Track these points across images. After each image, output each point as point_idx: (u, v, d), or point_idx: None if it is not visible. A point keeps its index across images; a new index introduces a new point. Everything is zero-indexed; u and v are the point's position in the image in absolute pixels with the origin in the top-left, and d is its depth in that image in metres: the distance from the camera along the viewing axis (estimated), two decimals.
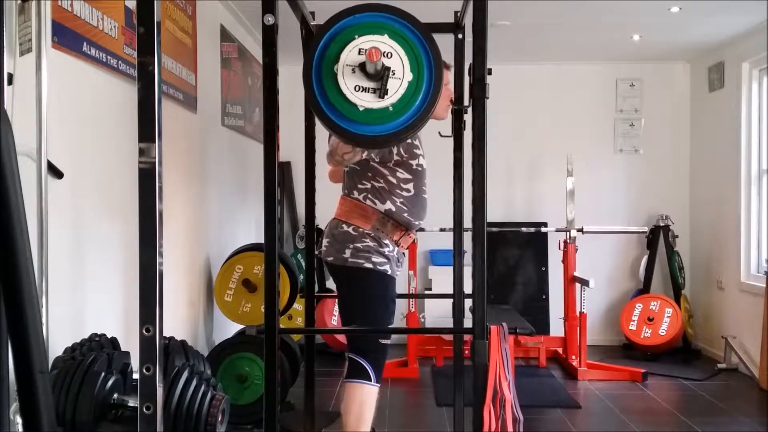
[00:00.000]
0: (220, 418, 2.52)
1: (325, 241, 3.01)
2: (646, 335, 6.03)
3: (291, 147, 4.41)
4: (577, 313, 5.58)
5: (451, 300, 3.28)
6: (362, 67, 1.96)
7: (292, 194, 6.70)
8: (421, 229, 3.54)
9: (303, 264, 3.45)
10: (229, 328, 4.70)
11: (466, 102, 2.85)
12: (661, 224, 6.49)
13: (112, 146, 3.03)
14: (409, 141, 2.93)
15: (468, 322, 2.24)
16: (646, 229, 6.40)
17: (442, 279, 6.14)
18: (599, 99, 6.84)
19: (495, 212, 6.50)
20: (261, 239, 2.14)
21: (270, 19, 2.08)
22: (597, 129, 6.84)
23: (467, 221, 2.38)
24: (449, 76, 3.09)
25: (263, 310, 2.12)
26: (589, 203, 6.60)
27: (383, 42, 1.98)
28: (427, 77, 2.00)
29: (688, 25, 5.43)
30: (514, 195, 6.85)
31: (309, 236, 3.21)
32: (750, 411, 4.72)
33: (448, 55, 3.17)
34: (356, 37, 1.98)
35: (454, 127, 3.12)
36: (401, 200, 2.96)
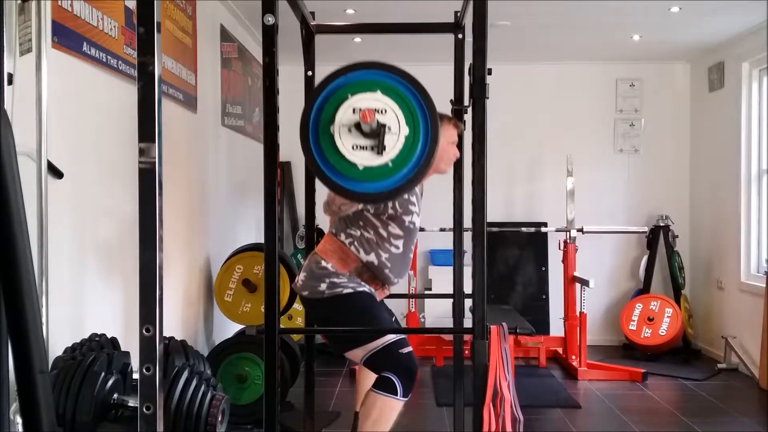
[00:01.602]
0: (220, 418, 2.52)
1: (301, 275, 2.91)
2: (646, 335, 6.03)
3: (291, 147, 4.39)
4: (577, 313, 5.58)
5: (451, 300, 3.28)
6: (358, 126, 1.97)
7: (292, 194, 6.70)
8: (422, 229, 3.54)
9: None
10: (229, 328, 4.70)
11: (466, 102, 2.86)
12: (661, 224, 6.49)
13: (112, 146, 3.03)
14: (405, 196, 2.86)
15: (468, 322, 2.24)
16: (646, 229, 6.40)
17: (442, 279, 6.14)
18: (599, 99, 6.84)
19: (495, 212, 6.50)
20: (261, 239, 2.14)
21: (270, 19, 2.09)
22: (597, 129, 6.84)
23: (467, 221, 2.38)
24: (455, 135, 3.03)
25: (263, 310, 2.12)
26: (589, 203, 6.60)
27: (376, 99, 1.99)
28: (423, 129, 2.01)
29: (688, 25, 5.43)
30: (514, 195, 6.85)
31: (309, 236, 3.21)
32: (750, 411, 4.72)
33: (448, 54, 3.18)
34: (349, 96, 1.99)
35: None
36: (387, 255, 2.87)
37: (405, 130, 2.00)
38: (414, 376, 2.78)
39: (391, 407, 2.74)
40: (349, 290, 2.82)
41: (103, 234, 2.99)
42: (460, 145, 3.09)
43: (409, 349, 2.80)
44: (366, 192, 2.04)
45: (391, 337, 2.77)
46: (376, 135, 1.97)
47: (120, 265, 3.11)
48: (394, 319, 2.95)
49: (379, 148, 1.97)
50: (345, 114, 1.99)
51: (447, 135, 2.97)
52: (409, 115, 2.01)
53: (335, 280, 2.82)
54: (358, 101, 1.98)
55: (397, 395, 2.72)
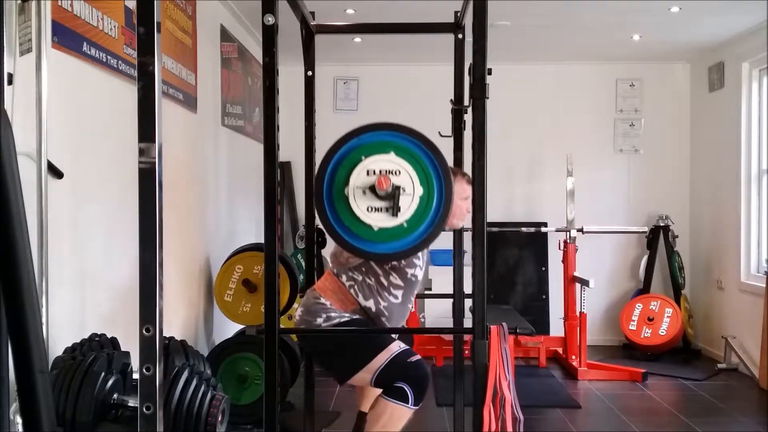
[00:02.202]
0: (220, 418, 2.52)
1: (298, 311, 2.93)
2: (646, 335, 6.03)
3: (291, 147, 4.41)
4: (577, 313, 5.58)
5: (451, 300, 3.28)
6: (372, 188, 1.99)
7: (292, 194, 6.70)
8: None
9: (303, 264, 3.45)
10: (229, 328, 4.70)
11: (466, 102, 2.86)
12: (661, 224, 6.49)
13: (112, 146, 3.03)
14: None
15: (468, 322, 2.24)
16: (646, 229, 6.40)
17: (442, 279, 6.13)
18: (599, 99, 6.84)
19: (495, 212, 6.49)
20: (261, 239, 2.14)
21: (270, 19, 2.09)
22: (597, 129, 6.84)
23: (467, 221, 2.38)
24: (468, 190, 2.94)
25: (263, 310, 2.12)
26: (589, 203, 6.60)
27: (390, 161, 2.00)
28: (437, 189, 2.03)
29: (688, 25, 5.43)
30: (514, 195, 6.85)
31: (309, 236, 3.21)
32: (750, 411, 4.72)
33: (448, 54, 3.18)
34: (363, 158, 2.01)
35: (454, 127, 3.12)
36: (385, 304, 2.86)
37: (419, 191, 2.02)
38: (425, 384, 2.77)
39: (400, 415, 2.72)
40: (346, 318, 2.81)
41: (103, 234, 2.99)
42: (459, 133, 3.07)
43: (417, 357, 2.79)
44: (381, 252, 2.07)
45: (395, 349, 2.75)
46: (391, 197, 1.98)
47: (120, 266, 3.11)
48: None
49: (394, 210, 1.99)
50: (359, 176, 2.00)
51: (459, 190, 2.93)
52: (423, 176, 2.03)
53: (332, 314, 2.81)
54: (372, 163, 2.00)
55: (407, 404, 2.71)
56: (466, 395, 3.05)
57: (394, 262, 2.85)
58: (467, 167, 2.37)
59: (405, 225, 2.01)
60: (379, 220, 2.00)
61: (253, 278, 4.12)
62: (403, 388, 2.70)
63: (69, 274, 2.70)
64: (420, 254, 2.92)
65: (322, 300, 2.84)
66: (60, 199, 2.54)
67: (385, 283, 2.86)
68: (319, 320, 2.80)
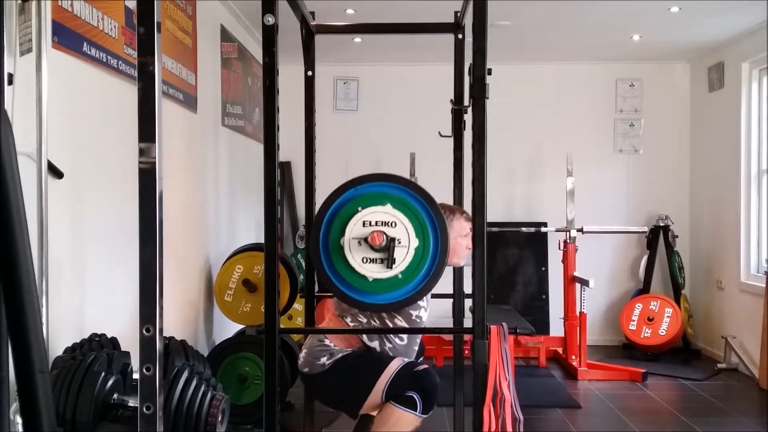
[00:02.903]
0: (220, 418, 2.52)
1: (302, 353, 2.92)
2: (646, 335, 6.03)
3: (291, 147, 4.41)
4: (577, 313, 5.58)
5: (451, 300, 3.28)
6: (368, 239, 2.00)
7: (292, 194, 6.70)
8: None
9: (303, 264, 3.45)
10: (229, 328, 4.70)
11: (466, 102, 2.86)
12: (661, 224, 6.49)
13: (112, 146, 3.03)
14: None
15: (468, 322, 2.24)
16: (646, 229, 6.40)
17: (442, 279, 6.12)
18: (599, 99, 6.84)
19: (495, 212, 6.49)
20: (261, 239, 2.14)
21: (270, 19, 2.09)
22: (597, 129, 6.84)
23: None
24: (467, 227, 2.95)
25: (263, 310, 2.12)
26: (589, 203, 6.60)
27: (386, 212, 2.01)
28: (433, 241, 2.04)
29: (688, 25, 5.43)
30: (514, 195, 6.85)
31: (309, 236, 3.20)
32: (750, 411, 4.72)
33: (448, 54, 3.18)
34: (359, 209, 2.02)
35: (453, 127, 3.12)
36: (390, 345, 2.87)
37: (415, 243, 2.03)
38: (435, 393, 2.76)
39: (407, 422, 2.72)
40: (349, 352, 2.82)
41: (103, 234, 2.99)
42: (459, 133, 3.07)
43: (425, 366, 2.79)
44: (375, 303, 2.10)
45: (396, 366, 2.75)
46: (386, 249, 1.99)
47: (120, 265, 3.11)
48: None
49: (389, 262, 2.00)
50: (355, 227, 2.02)
51: (458, 228, 2.95)
52: (419, 228, 2.04)
53: (335, 351, 2.82)
54: (368, 215, 2.01)
55: (416, 411, 2.70)
56: (466, 395, 3.05)
57: None
58: (467, 167, 2.37)
59: (400, 276, 2.03)
60: (374, 272, 2.02)
61: (253, 278, 4.12)
62: (412, 396, 2.70)
63: (69, 274, 2.69)
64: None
65: (326, 342, 2.84)
66: (60, 199, 2.53)
67: (390, 325, 2.87)
68: (323, 359, 2.81)
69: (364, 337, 2.85)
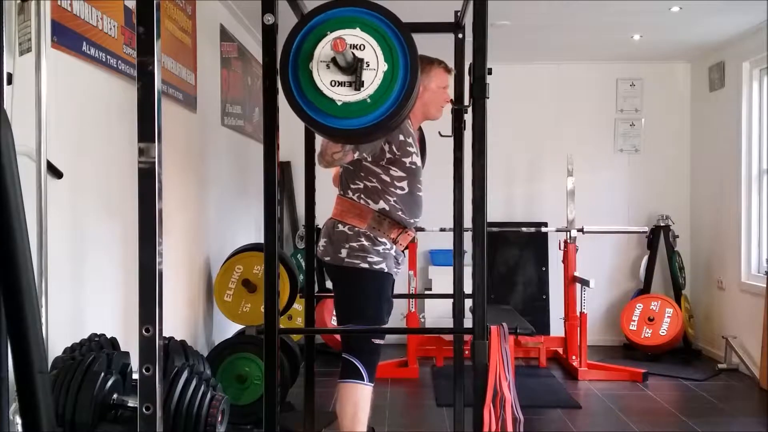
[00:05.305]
0: (219, 418, 2.52)
1: (322, 241, 3.01)
2: (646, 335, 6.03)
3: (291, 147, 4.41)
4: (578, 313, 5.58)
5: (451, 300, 3.28)
6: (335, 61, 1.96)
7: (292, 194, 6.70)
8: (421, 229, 3.53)
9: (303, 264, 3.45)
10: (229, 328, 4.70)
11: (466, 102, 2.86)
12: (662, 224, 6.48)
13: (112, 146, 3.02)
14: (401, 138, 2.89)
15: (468, 322, 2.24)
16: (646, 229, 6.40)
17: (442, 279, 6.14)
18: (599, 99, 6.83)
19: (495, 212, 6.49)
20: (261, 239, 2.14)
21: (270, 19, 2.09)
22: (597, 129, 6.84)
23: (467, 221, 2.38)
24: (449, 80, 3.07)
25: (263, 310, 2.12)
26: (589, 203, 6.60)
27: (355, 35, 1.99)
28: (402, 66, 2.00)
29: (688, 25, 5.43)
30: (514, 195, 6.85)
31: (309, 236, 3.21)
32: (750, 411, 4.72)
33: (448, 55, 3.18)
34: (328, 33, 1.99)
35: (454, 127, 3.12)
36: (395, 199, 2.92)
37: (383, 66, 1.99)
38: (376, 365, 2.94)
39: (362, 394, 2.88)
40: (365, 265, 2.90)
41: (102, 234, 2.99)
42: (459, 133, 3.08)
43: (382, 342, 2.97)
44: (345, 128, 2.02)
45: (377, 341, 2.93)
46: (353, 70, 1.96)
47: (120, 265, 3.11)
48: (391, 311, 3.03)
49: (357, 84, 1.96)
50: (324, 50, 1.98)
51: (437, 80, 3.02)
52: (388, 52, 2.00)
53: (354, 244, 2.90)
54: (336, 37, 1.97)
55: (364, 380, 2.86)
56: (466, 395, 3.05)
57: (389, 155, 2.90)
58: (467, 167, 2.37)
59: (369, 100, 1.97)
60: (343, 94, 1.97)
61: (253, 278, 4.12)
62: (357, 366, 2.86)
63: (68, 274, 2.69)
64: (412, 142, 2.97)
65: (340, 227, 2.93)
66: (60, 199, 2.53)
67: (387, 179, 2.92)
68: (343, 252, 2.91)
69: (370, 203, 2.92)
